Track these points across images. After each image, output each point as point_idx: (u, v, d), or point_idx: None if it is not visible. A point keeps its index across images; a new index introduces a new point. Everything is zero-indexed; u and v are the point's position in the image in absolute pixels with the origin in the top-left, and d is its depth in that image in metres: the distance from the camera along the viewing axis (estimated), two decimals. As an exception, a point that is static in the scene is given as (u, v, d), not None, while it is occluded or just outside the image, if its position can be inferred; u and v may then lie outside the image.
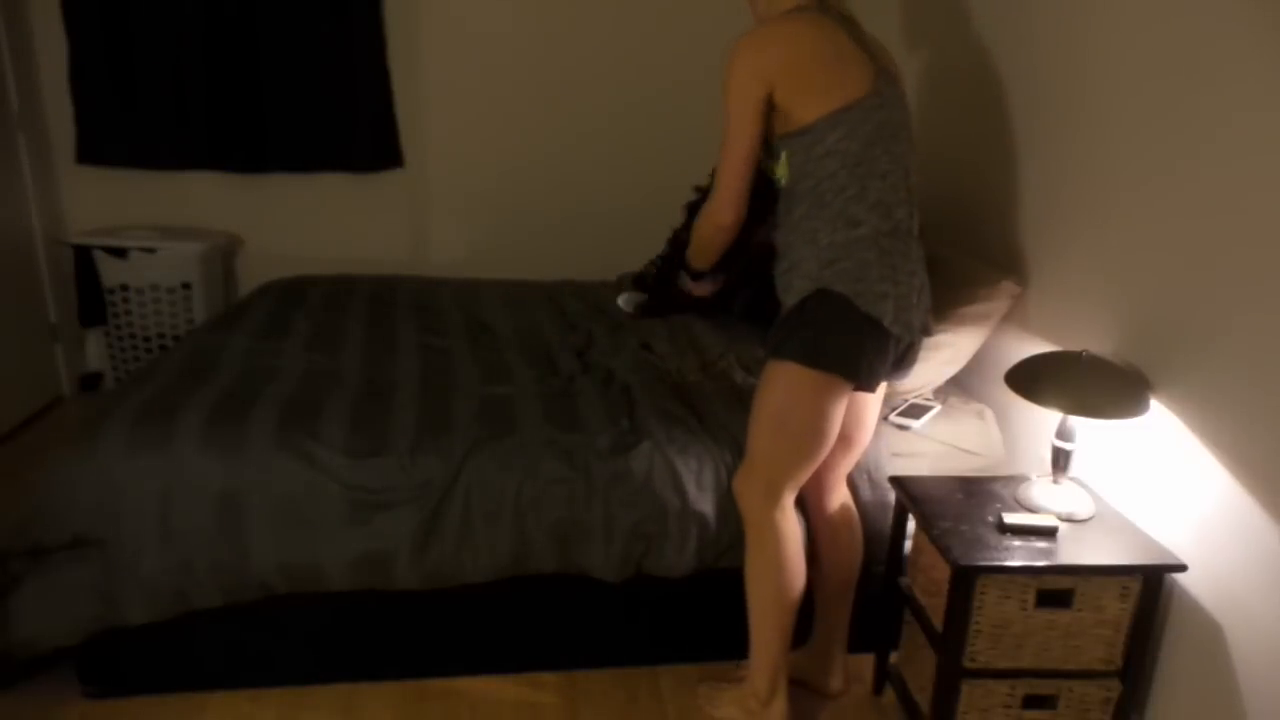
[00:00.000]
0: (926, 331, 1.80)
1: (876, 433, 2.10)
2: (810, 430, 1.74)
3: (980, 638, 1.74)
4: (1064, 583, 1.71)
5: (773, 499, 1.80)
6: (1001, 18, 2.46)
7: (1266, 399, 1.54)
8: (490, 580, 1.99)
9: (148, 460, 1.88)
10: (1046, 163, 2.22)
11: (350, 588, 1.95)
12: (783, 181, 1.77)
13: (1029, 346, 2.25)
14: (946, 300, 2.28)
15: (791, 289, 1.74)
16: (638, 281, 2.23)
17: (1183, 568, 1.69)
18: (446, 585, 1.97)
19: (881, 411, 2.21)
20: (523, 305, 3.04)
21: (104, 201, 3.53)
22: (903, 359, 1.80)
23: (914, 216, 1.75)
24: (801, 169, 1.71)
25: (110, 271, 3.32)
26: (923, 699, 1.90)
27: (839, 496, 2.00)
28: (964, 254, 2.46)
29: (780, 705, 1.90)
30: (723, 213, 1.74)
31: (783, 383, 1.73)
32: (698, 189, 3.18)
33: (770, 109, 1.69)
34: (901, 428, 2.21)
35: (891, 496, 2.07)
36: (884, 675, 2.12)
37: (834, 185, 1.68)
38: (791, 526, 1.83)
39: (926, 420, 2.23)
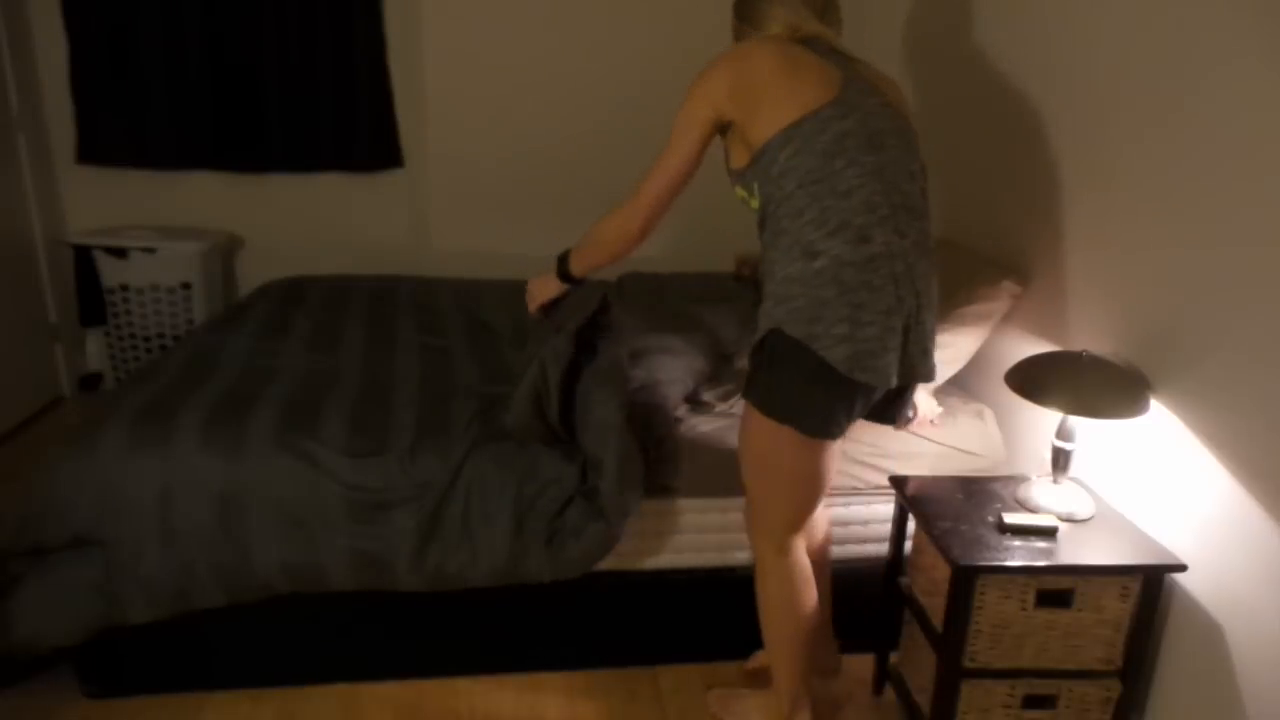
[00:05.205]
0: (918, 376, 1.61)
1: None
2: (792, 479, 1.65)
3: (980, 638, 1.74)
4: (1064, 583, 1.71)
5: (772, 541, 1.73)
6: (1003, 18, 2.46)
7: (1266, 399, 1.54)
8: (491, 585, 1.98)
9: (148, 460, 1.88)
10: (1047, 163, 2.22)
11: (353, 588, 1.95)
12: (755, 211, 1.67)
13: (1029, 346, 2.25)
14: (946, 300, 2.28)
15: (759, 324, 1.62)
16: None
17: (1183, 568, 1.69)
18: (448, 589, 1.97)
19: None
20: (522, 305, 3.03)
21: (104, 201, 3.53)
22: (896, 398, 1.66)
23: (909, 235, 1.56)
24: (766, 195, 1.60)
25: (110, 271, 3.32)
26: (923, 699, 1.90)
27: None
28: (964, 254, 2.46)
29: (805, 718, 1.88)
30: (634, 222, 1.72)
31: (756, 427, 1.63)
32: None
33: (724, 134, 1.67)
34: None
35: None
36: (884, 675, 2.12)
37: (791, 209, 1.53)
38: (796, 566, 1.75)
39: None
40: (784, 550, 1.73)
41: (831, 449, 1.63)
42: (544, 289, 2.04)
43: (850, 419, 1.60)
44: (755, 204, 1.66)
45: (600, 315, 2.14)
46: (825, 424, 1.56)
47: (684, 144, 1.67)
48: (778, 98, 1.54)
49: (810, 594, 1.77)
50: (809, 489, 1.66)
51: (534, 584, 1.97)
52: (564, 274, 1.93)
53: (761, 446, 1.64)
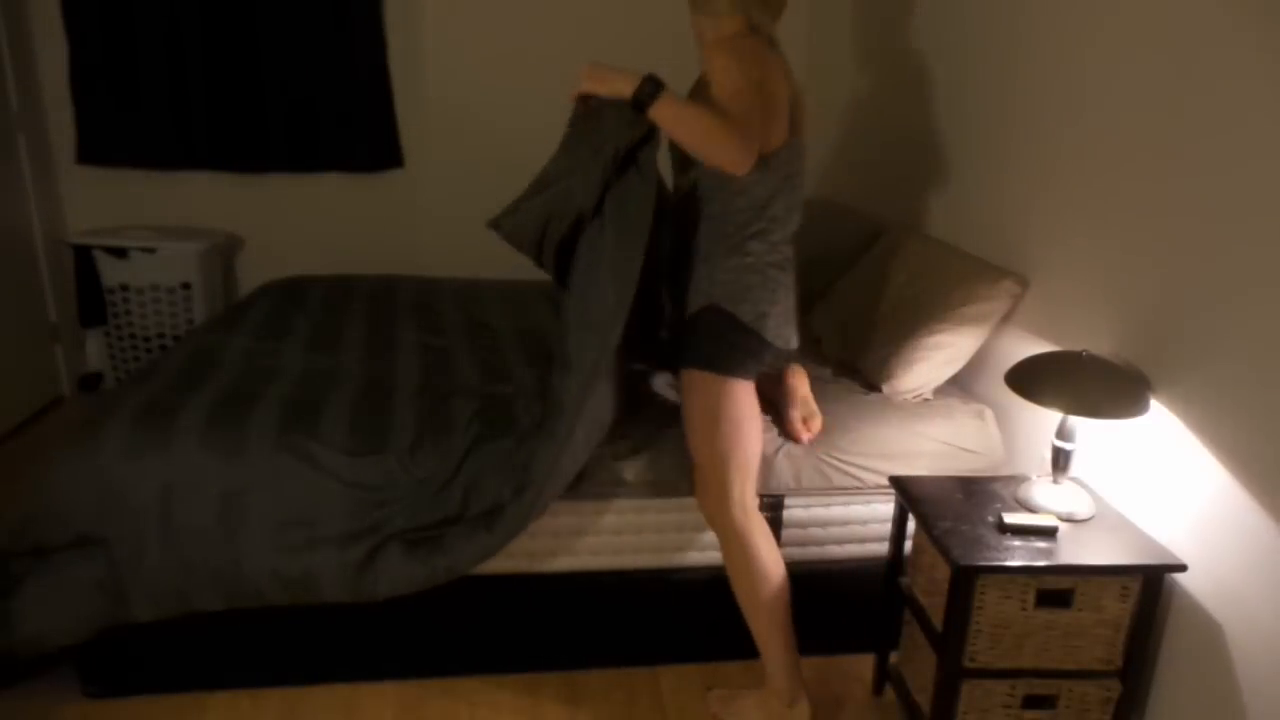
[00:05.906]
0: (791, 344, 1.95)
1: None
2: (739, 424, 1.88)
3: (980, 638, 1.74)
4: (1064, 583, 1.71)
5: (727, 501, 1.88)
6: (999, 13, 2.46)
7: (1266, 399, 1.54)
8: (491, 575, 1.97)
9: (148, 461, 1.88)
10: (1047, 162, 2.22)
11: (347, 600, 1.93)
12: (689, 181, 1.89)
13: (1029, 346, 2.25)
14: (947, 300, 2.28)
15: (687, 300, 1.92)
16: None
17: (1183, 568, 1.69)
18: (439, 583, 1.94)
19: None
20: (523, 305, 3.04)
21: (104, 201, 3.54)
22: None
23: (792, 245, 1.92)
24: (712, 193, 1.85)
25: (110, 271, 3.32)
26: (923, 699, 1.90)
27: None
28: (964, 254, 2.46)
29: (804, 709, 1.93)
30: (744, 161, 1.66)
31: (701, 388, 1.87)
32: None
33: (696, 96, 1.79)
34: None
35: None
36: (884, 675, 2.12)
37: (738, 221, 1.85)
38: (760, 523, 1.90)
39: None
40: (746, 510, 1.89)
41: (753, 390, 1.93)
42: (604, 83, 1.72)
43: (765, 365, 1.95)
44: (694, 179, 1.88)
45: (642, 145, 1.78)
46: (755, 369, 1.91)
47: (780, 98, 1.77)
48: (768, 119, 1.75)
49: (772, 555, 1.90)
50: (751, 431, 1.90)
51: (536, 577, 1.97)
52: (640, 101, 1.66)
53: (711, 402, 1.87)
